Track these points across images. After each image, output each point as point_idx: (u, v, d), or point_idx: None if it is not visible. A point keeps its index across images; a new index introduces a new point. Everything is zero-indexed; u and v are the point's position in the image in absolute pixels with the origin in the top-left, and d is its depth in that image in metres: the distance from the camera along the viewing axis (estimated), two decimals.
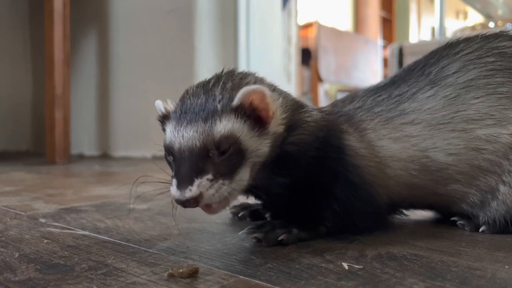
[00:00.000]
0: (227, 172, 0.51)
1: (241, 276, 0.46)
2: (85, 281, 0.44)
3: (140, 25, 2.36)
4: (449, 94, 0.63)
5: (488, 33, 0.68)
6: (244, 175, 0.53)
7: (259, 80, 0.60)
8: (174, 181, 0.49)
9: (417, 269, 0.48)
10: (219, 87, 0.55)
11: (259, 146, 0.54)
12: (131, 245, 0.58)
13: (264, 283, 0.44)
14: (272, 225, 0.59)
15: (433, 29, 6.29)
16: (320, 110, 0.68)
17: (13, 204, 0.90)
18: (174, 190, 0.49)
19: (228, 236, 0.64)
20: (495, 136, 0.60)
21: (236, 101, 0.53)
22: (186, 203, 0.48)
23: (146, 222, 0.73)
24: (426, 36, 6.39)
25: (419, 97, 0.64)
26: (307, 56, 3.84)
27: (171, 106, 0.57)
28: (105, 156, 2.41)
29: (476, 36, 0.68)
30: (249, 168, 0.53)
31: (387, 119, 0.64)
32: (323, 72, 3.92)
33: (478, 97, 0.62)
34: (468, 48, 0.66)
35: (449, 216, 0.69)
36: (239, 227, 0.64)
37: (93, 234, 0.65)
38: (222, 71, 0.59)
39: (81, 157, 2.34)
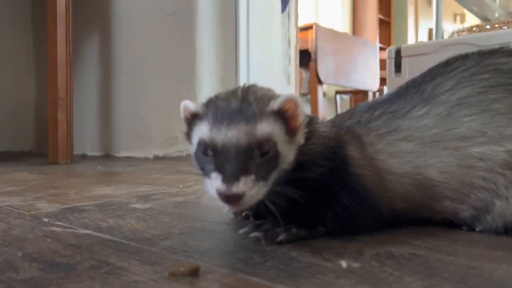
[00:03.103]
0: (264, 174, 0.52)
1: (241, 275, 0.46)
2: (87, 280, 0.45)
3: (141, 27, 2.38)
4: (441, 112, 0.63)
5: (486, 50, 0.68)
6: (274, 180, 0.54)
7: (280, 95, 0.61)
8: (218, 175, 0.50)
9: (415, 268, 0.48)
10: (252, 94, 0.56)
11: (289, 153, 0.56)
12: (133, 244, 0.59)
13: (264, 282, 0.44)
14: (272, 224, 0.59)
15: (430, 31, 6.30)
16: (325, 124, 0.69)
17: (16, 204, 0.91)
18: (219, 184, 0.49)
19: (229, 235, 0.64)
20: (488, 153, 0.60)
21: (277, 105, 0.55)
22: (231, 199, 0.49)
23: (147, 221, 0.74)
24: (424, 38, 6.39)
25: (413, 114, 0.65)
26: (306, 58, 3.84)
27: (199, 107, 0.58)
28: (107, 157, 2.42)
29: (474, 53, 0.68)
30: (278, 174, 0.55)
31: (381, 134, 0.66)
32: (322, 74, 3.92)
33: (470, 115, 0.62)
34: (463, 66, 0.66)
35: None
36: (240, 226, 0.65)
37: (95, 233, 0.65)
38: (244, 84, 0.61)
39: (83, 158, 2.35)
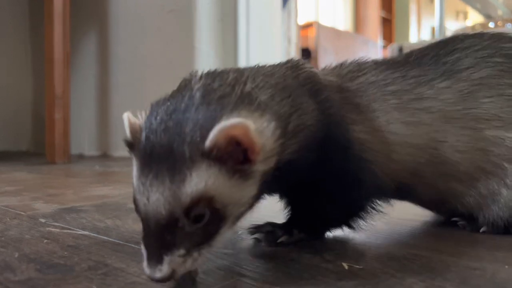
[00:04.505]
0: (203, 240, 0.41)
1: (241, 277, 0.46)
2: (85, 281, 0.44)
3: (140, 25, 2.36)
4: (463, 89, 0.61)
5: (493, 33, 0.67)
6: (226, 233, 0.44)
7: (245, 96, 0.46)
8: (144, 251, 0.41)
9: (417, 269, 0.48)
10: (191, 115, 0.42)
11: (243, 193, 0.44)
12: (131, 245, 0.58)
13: (264, 283, 0.44)
14: (272, 226, 0.59)
15: (433, 29, 6.30)
16: (325, 89, 0.57)
17: (13, 204, 0.90)
18: (144, 265, 0.40)
19: (228, 236, 0.64)
20: (501, 138, 0.60)
21: (208, 144, 0.40)
22: (160, 281, 0.40)
23: None
24: (426, 36, 6.40)
25: (436, 85, 0.62)
26: (307, 56, 3.84)
27: (141, 123, 0.45)
28: (105, 156, 2.41)
29: (484, 34, 0.67)
30: (231, 223, 0.44)
31: (402, 101, 0.61)
32: None
33: (488, 97, 0.61)
34: (478, 45, 0.65)
35: (449, 217, 0.69)
36: (239, 228, 0.64)
37: (93, 234, 0.65)
38: (201, 76, 0.49)
39: (81, 157, 2.34)
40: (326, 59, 4.02)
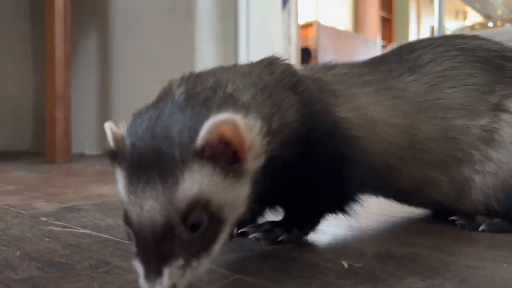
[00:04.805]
0: (202, 248, 0.39)
1: (241, 275, 0.46)
2: (86, 279, 0.44)
3: (140, 25, 2.37)
4: (429, 81, 0.65)
5: (444, 35, 0.77)
6: (223, 239, 0.42)
7: (228, 98, 0.45)
8: (140, 268, 0.38)
9: (417, 268, 0.48)
10: (177, 118, 0.40)
11: (238, 194, 0.42)
12: None
13: (264, 282, 0.44)
14: (271, 224, 0.59)
15: (432, 28, 6.29)
16: (303, 79, 0.57)
17: (14, 203, 0.90)
18: (142, 282, 0.37)
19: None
20: (468, 127, 0.63)
21: (200, 141, 0.38)
22: None
23: None
24: (426, 36, 6.39)
25: (405, 79, 0.66)
26: (307, 55, 3.83)
27: (123, 133, 0.43)
28: (105, 155, 2.40)
29: (438, 37, 0.76)
30: (229, 226, 0.42)
31: (377, 89, 0.64)
32: None
33: (452, 87, 0.64)
34: (434, 43, 0.70)
35: (448, 215, 0.69)
36: (239, 226, 0.64)
37: (94, 233, 0.65)
38: (181, 82, 0.47)
39: (82, 156, 2.34)
40: (326, 59, 4.02)
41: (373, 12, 5.80)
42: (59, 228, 0.68)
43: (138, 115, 0.44)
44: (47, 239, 0.61)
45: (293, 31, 2.71)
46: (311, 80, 0.60)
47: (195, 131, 0.39)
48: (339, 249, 0.55)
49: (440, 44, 0.69)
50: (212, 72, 0.52)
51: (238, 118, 0.40)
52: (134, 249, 0.39)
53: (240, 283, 0.44)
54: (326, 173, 0.56)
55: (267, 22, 2.49)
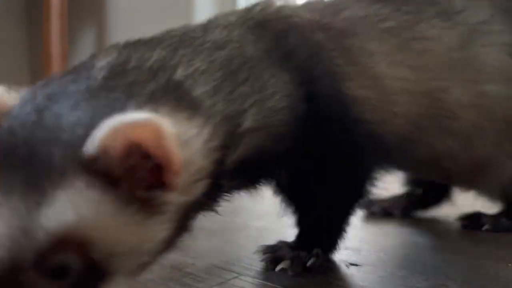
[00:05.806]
0: None
1: (240, 275, 0.45)
2: None
3: (138, 20, 2.35)
4: (463, 34, 0.52)
5: None
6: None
7: (171, 88, 0.32)
8: None
9: (420, 267, 0.47)
10: (78, 104, 0.28)
11: (146, 237, 0.28)
12: None
13: (264, 282, 0.43)
14: (288, 247, 0.47)
15: None
16: (302, 47, 0.43)
17: None
18: None
19: (227, 234, 0.63)
20: (502, 97, 0.52)
21: (90, 148, 0.26)
22: None
23: None
24: None
25: (437, 24, 0.52)
26: None
27: (12, 105, 0.30)
28: None
29: None
30: (122, 281, 0.28)
31: (403, 40, 0.50)
32: None
33: (486, 46, 0.52)
34: None
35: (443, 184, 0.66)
36: (239, 225, 0.64)
37: None
38: (114, 49, 0.35)
39: None
40: None
41: None
42: None
43: (39, 85, 0.33)
44: None
45: None
46: (316, 28, 0.45)
47: (93, 128, 0.26)
48: (341, 248, 0.54)
49: None
50: (168, 40, 0.37)
51: (164, 122, 0.26)
52: None
53: (239, 282, 0.43)
54: (334, 164, 0.44)
55: None
